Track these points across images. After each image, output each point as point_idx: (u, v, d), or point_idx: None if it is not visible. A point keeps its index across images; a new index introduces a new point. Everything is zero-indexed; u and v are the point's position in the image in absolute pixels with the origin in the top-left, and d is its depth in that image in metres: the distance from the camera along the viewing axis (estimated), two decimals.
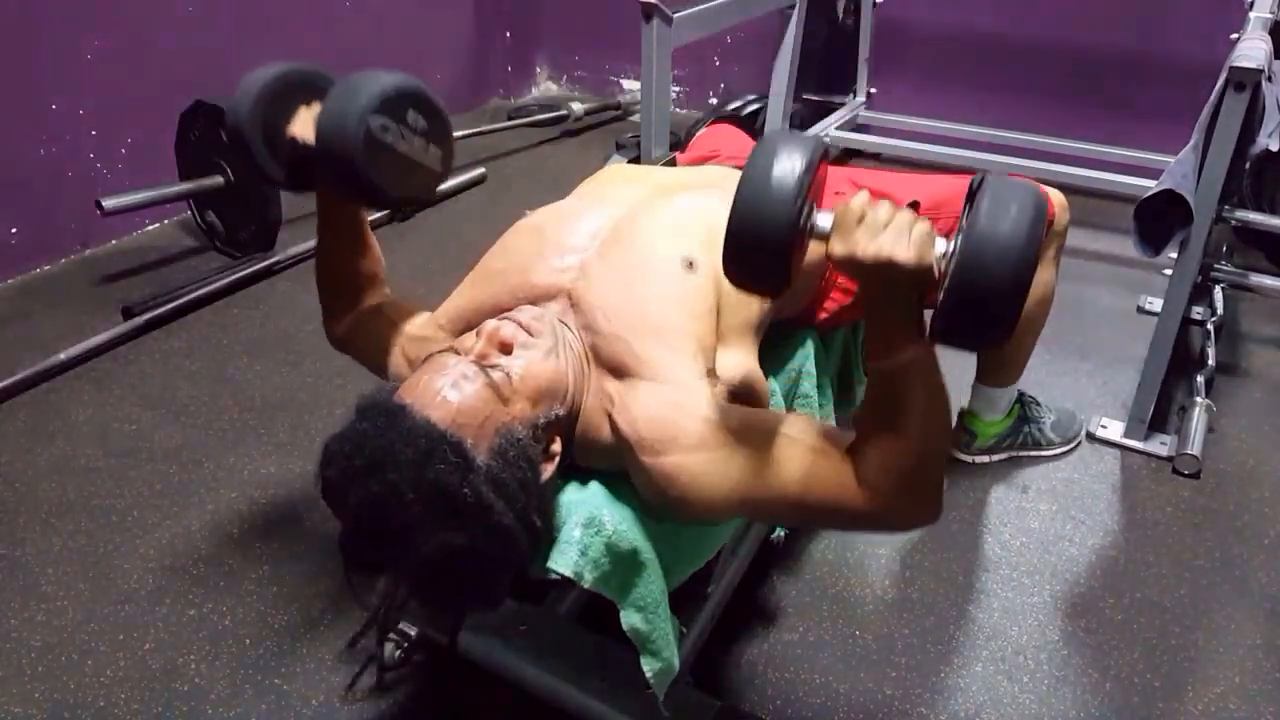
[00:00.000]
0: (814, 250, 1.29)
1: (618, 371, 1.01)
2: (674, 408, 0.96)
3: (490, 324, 0.98)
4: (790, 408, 1.29)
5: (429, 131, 1.08)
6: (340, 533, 0.91)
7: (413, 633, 1.39)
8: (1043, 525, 1.69)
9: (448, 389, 0.91)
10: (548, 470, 0.96)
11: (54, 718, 1.32)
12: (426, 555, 0.87)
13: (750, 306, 1.12)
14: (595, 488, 1.05)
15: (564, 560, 0.96)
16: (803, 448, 0.94)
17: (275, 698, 1.35)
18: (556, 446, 0.98)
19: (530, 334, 0.99)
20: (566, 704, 1.22)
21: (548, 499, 0.98)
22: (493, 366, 0.94)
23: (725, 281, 1.08)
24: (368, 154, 1.01)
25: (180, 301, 2.36)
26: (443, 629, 1.11)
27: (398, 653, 1.38)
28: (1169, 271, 1.82)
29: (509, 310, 1.04)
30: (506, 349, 0.96)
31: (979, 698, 1.36)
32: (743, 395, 1.07)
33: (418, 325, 1.18)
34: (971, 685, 1.38)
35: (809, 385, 1.34)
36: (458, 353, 0.97)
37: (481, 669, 1.28)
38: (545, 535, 0.98)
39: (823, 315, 1.36)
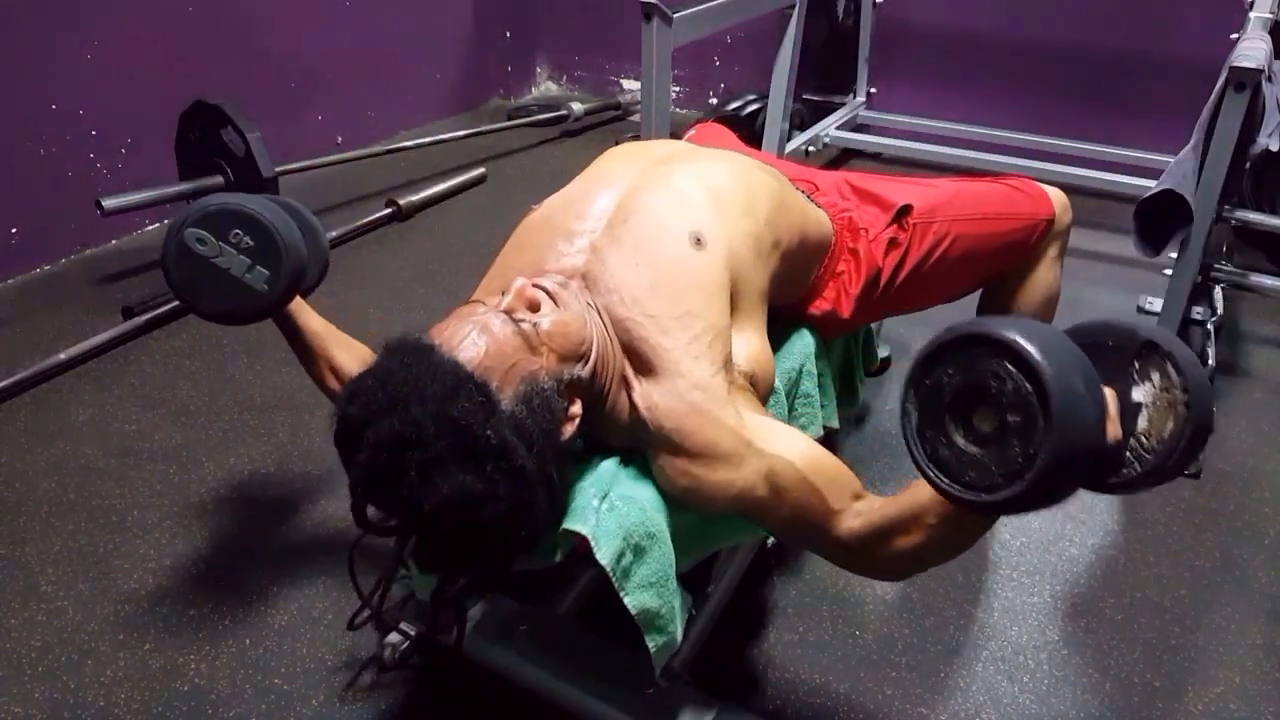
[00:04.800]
0: (812, 227, 1.30)
1: (638, 358, 1.02)
2: (688, 410, 0.99)
3: (519, 281, 0.98)
4: (791, 406, 1.29)
5: (254, 252, 1.15)
6: (353, 478, 0.89)
7: (413, 633, 1.38)
8: (1043, 525, 1.69)
9: (476, 333, 0.92)
10: (568, 430, 0.96)
11: (54, 718, 1.32)
12: (443, 498, 0.85)
13: (758, 274, 1.14)
14: (609, 465, 1.05)
15: (582, 523, 0.96)
16: (801, 479, 0.98)
17: (275, 698, 1.35)
18: (577, 408, 0.98)
19: (556, 302, 0.99)
20: (566, 704, 1.22)
21: (567, 459, 0.99)
22: (521, 320, 0.95)
23: (735, 253, 1.09)
24: (179, 260, 1.14)
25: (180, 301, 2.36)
26: (446, 630, 1.11)
27: (397, 653, 1.38)
28: (1169, 271, 1.82)
29: None
30: (534, 307, 0.97)
31: (979, 698, 1.36)
32: (748, 373, 1.09)
33: None
34: (971, 685, 1.38)
35: (810, 384, 1.33)
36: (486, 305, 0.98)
37: (481, 669, 1.28)
38: (560, 502, 0.98)
39: (821, 306, 1.36)
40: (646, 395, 1.01)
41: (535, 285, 1.00)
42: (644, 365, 1.02)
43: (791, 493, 0.98)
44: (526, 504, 0.90)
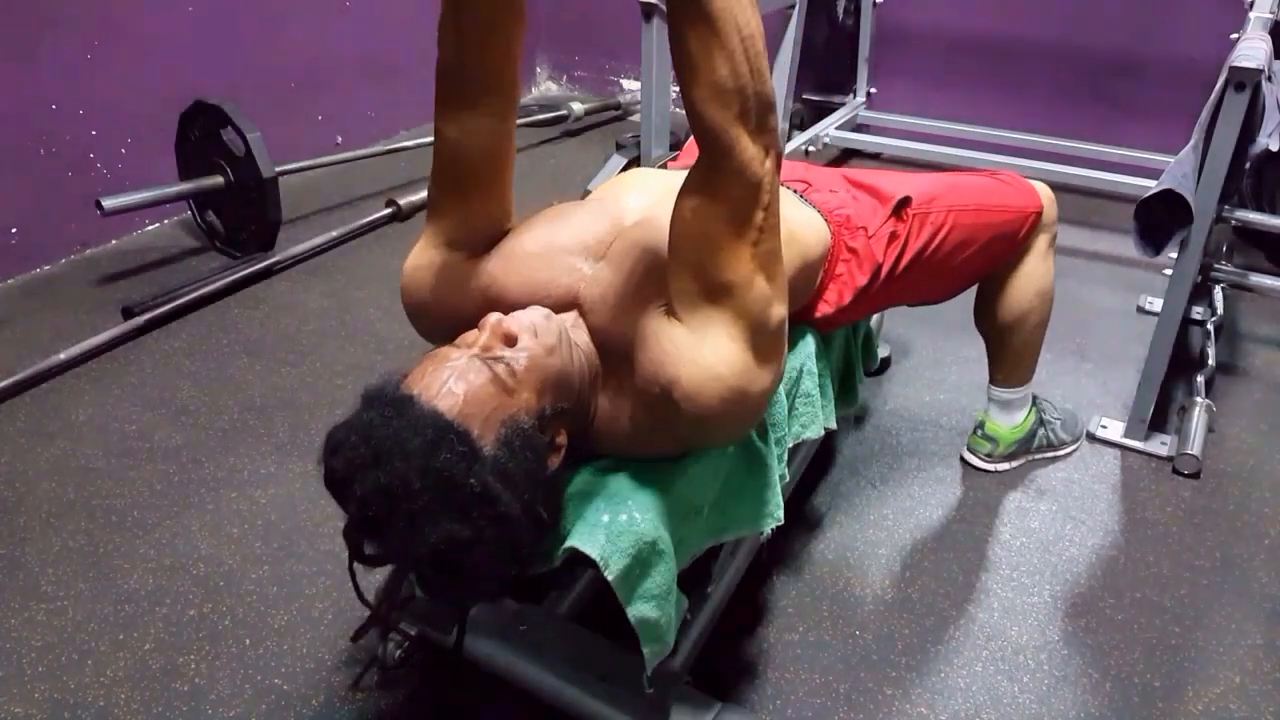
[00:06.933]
0: (813, 248, 1.30)
1: (618, 361, 1.02)
2: (638, 346, 0.99)
3: (493, 317, 0.98)
4: (792, 406, 1.30)
5: None
6: (345, 524, 0.90)
7: (413, 632, 1.38)
8: (1043, 525, 1.69)
9: (453, 380, 0.92)
10: (554, 462, 0.97)
11: (54, 718, 1.32)
12: (432, 546, 0.86)
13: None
14: (618, 477, 1.05)
15: (592, 544, 0.96)
16: (694, 232, 0.96)
17: (275, 698, 1.35)
18: (562, 439, 0.99)
19: (535, 334, 0.99)
20: (566, 704, 1.22)
21: (555, 491, 0.99)
22: (496, 359, 0.95)
23: None
24: None
25: (180, 301, 2.36)
26: (447, 630, 1.11)
27: (398, 653, 1.38)
28: (1169, 271, 1.82)
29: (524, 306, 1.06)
30: (510, 341, 0.97)
31: (979, 698, 1.36)
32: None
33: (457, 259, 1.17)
34: (971, 685, 1.38)
35: (810, 383, 1.34)
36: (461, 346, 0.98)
37: (481, 669, 1.28)
38: (553, 527, 0.98)
39: (823, 309, 1.36)
40: (630, 405, 1.01)
41: (514, 317, 1.01)
42: (624, 370, 1.02)
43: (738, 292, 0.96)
44: (513, 543, 0.92)
